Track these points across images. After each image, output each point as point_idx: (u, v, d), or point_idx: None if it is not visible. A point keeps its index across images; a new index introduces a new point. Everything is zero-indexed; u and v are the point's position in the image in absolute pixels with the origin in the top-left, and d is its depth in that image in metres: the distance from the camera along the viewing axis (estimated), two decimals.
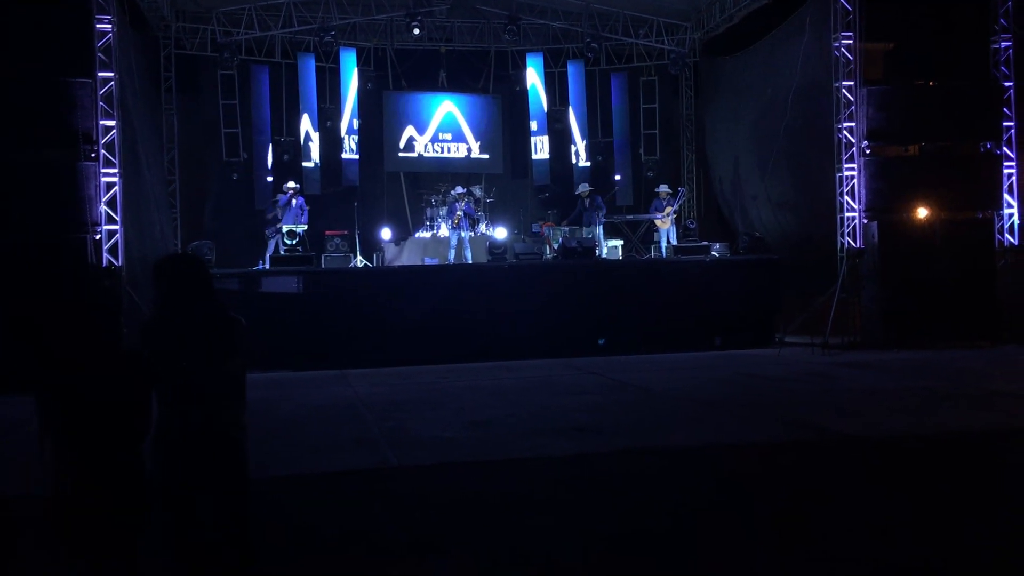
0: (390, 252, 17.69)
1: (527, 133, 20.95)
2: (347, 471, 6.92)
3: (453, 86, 20.65)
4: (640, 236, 18.44)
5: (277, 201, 16.29)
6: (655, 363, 13.37)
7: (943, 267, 14.26)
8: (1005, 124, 15.43)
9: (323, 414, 9.68)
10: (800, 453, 7.25)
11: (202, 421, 3.61)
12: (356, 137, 19.64)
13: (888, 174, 15.20)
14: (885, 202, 15.12)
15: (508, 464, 7.08)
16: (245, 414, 3.80)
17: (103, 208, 12.94)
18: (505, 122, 21.23)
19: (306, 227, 16.01)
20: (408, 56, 20.32)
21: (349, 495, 6.32)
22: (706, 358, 13.78)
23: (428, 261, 16.47)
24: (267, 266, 15.33)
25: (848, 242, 15.01)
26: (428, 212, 18.12)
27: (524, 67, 20.83)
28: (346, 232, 16.34)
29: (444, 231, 16.98)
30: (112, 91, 13.09)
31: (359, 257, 16.28)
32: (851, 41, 14.95)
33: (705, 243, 16.62)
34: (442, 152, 20.51)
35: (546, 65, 20.96)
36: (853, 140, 15.06)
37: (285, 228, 15.74)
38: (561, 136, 21.12)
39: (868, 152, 15.12)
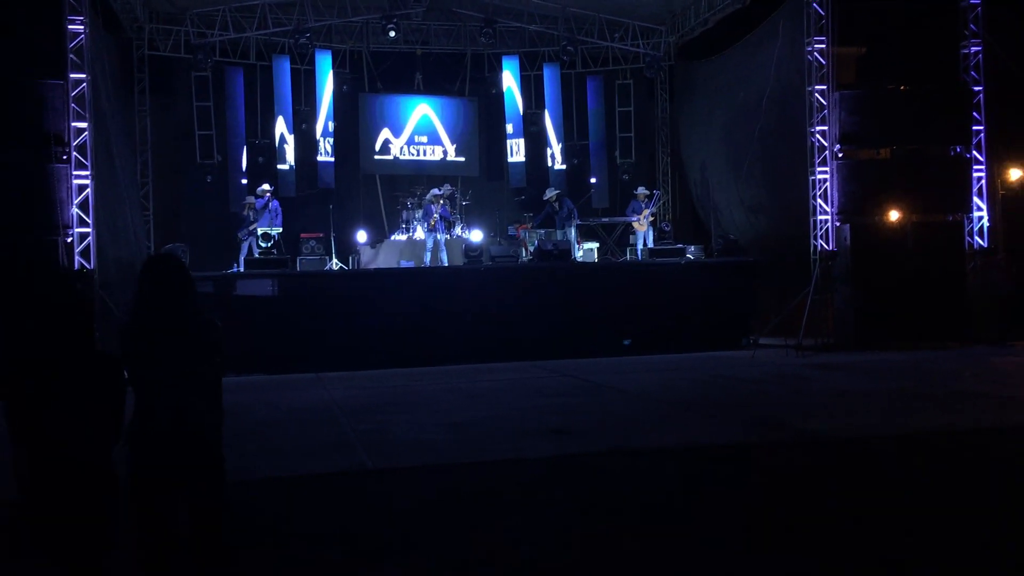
0: (366, 255, 17.65)
1: (503, 136, 20.98)
2: (322, 474, 6.90)
3: (429, 89, 20.64)
4: (616, 238, 18.50)
5: (253, 204, 16.19)
6: (631, 365, 13.43)
7: (914, 269, 14.44)
8: (975, 128, 15.64)
9: (298, 417, 9.64)
10: (771, 454, 7.31)
11: (178, 424, 3.59)
12: (331, 139, 19.57)
13: (860, 177, 15.37)
14: (857, 205, 15.29)
15: (484, 466, 7.09)
16: (221, 417, 3.79)
17: (75, 211, 12.82)
18: (481, 125, 21.24)
19: (280, 230, 15.94)
20: (384, 58, 20.29)
21: (324, 498, 6.30)
22: (681, 360, 13.86)
23: (404, 264, 16.45)
24: (241, 269, 15.25)
25: (821, 244, 15.15)
26: (404, 215, 18.09)
27: (500, 70, 20.86)
28: (321, 235, 16.28)
29: (420, 234, 16.97)
30: (84, 93, 12.98)
31: (334, 260, 16.23)
32: (824, 45, 15.09)
33: (680, 245, 16.71)
34: (418, 155, 20.50)
35: (522, 68, 21.00)
36: (826, 143, 15.20)
37: (260, 231, 15.67)
38: (537, 139, 21.17)
39: (841, 155, 15.28)
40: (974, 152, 15.69)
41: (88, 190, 12.93)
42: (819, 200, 15.21)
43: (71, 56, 12.89)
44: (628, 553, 4.86)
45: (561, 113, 21.14)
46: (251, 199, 16.44)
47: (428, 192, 17.16)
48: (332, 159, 19.59)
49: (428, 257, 16.19)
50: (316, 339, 13.84)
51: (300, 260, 15.34)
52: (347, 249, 17.65)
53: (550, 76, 21.00)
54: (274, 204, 16.20)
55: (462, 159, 20.84)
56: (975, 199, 15.65)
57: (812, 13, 15.08)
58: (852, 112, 15.19)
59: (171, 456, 3.59)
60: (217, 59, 18.56)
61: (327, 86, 19.53)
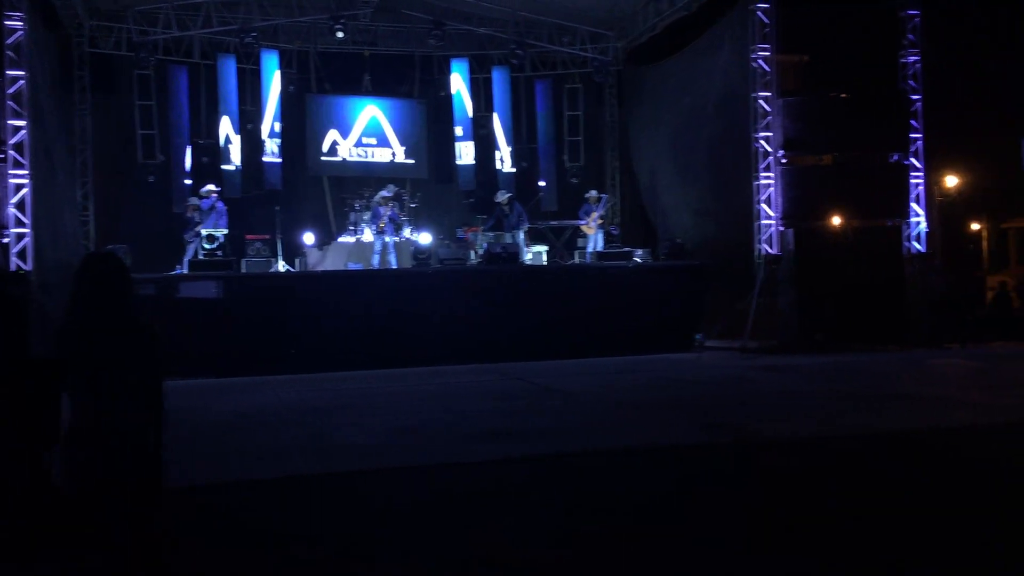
0: (313, 257, 17.47)
1: (452, 138, 20.95)
2: (268, 479, 6.81)
3: (377, 90, 20.53)
4: (564, 242, 18.58)
5: (198, 206, 15.92)
6: (580, 368, 13.49)
7: (856, 273, 14.75)
8: (913, 136, 16.05)
9: (244, 421, 9.51)
10: (717, 454, 7.40)
11: (115, 429, 3.51)
12: (278, 140, 19.36)
13: (803, 183, 15.66)
14: (800, 210, 15.56)
15: (432, 469, 7.06)
16: (161, 422, 3.72)
17: (12, 211, 12.50)
18: (430, 127, 21.18)
19: (226, 231, 15.70)
20: (331, 59, 20.13)
21: (270, 503, 6.22)
22: (630, 362, 13.97)
23: (351, 266, 16.31)
24: (185, 271, 14.99)
25: (766, 249, 15.39)
26: (352, 216, 17.95)
27: (449, 72, 20.83)
28: (267, 236, 16.06)
29: (368, 236, 16.84)
30: (22, 90, 12.66)
31: (281, 262, 16.04)
32: (768, 53, 15.37)
33: (628, 249, 16.83)
34: (366, 156, 20.37)
35: (471, 71, 21.00)
36: (770, 149, 15.46)
37: (204, 232, 15.41)
38: (486, 142, 21.18)
39: (784, 161, 15.55)
40: (912, 159, 16.10)
41: (26, 190, 12.62)
42: (763, 205, 15.45)
43: (8, 53, 12.58)
44: (575, 554, 4.88)
45: (510, 116, 21.18)
46: (195, 200, 16.16)
47: (376, 194, 17.05)
48: (279, 160, 19.37)
49: (376, 260, 16.08)
50: (262, 342, 13.67)
51: (246, 262, 15.13)
52: (294, 251, 17.45)
53: (499, 79, 21.03)
54: (220, 205, 15.95)
55: (411, 161, 20.77)
56: (913, 205, 16.05)
57: (756, 21, 15.33)
58: (795, 119, 15.47)
59: (108, 461, 3.51)
60: (160, 57, 18.24)
61: (273, 86, 19.31)
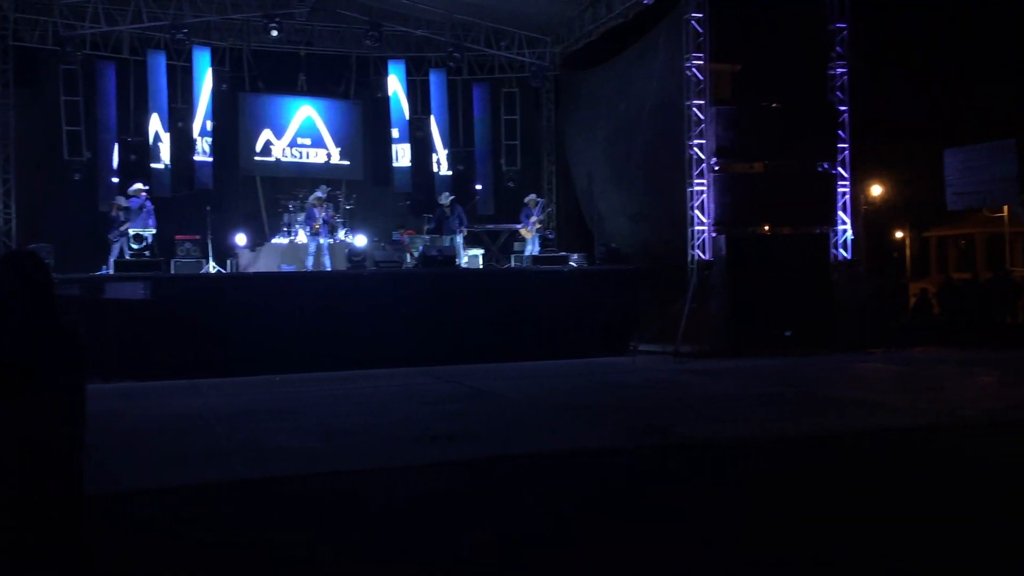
0: (245, 258, 17.18)
1: (388, 140, 20.82)
2: (195, 485, 6.67)
3: (313, 90, 20.31)
4: (500, 245, 18.61)
5: (128, 205, 15.53)
6: (515, 371, 13.52)
7: (785, 279, 15.06)
8: (840, 146, 16.47)
9: (171, 425, 9.30)
10: (648, 457, 7.48)
11: (34, 434, 3.40)
12: (210, 139, 19.00)
13: (735, 190, 15.93)
14: (732, 216, 15.84)
15: (363, 475, 6.99)
16: (83, 426, 3.61)
17: None
18: (366, 129, 21.03)
19: (154, 231, 15.34)
20: (266, 58, 19.85)
21: (197, 509, 6.09)
22: (564, 366, 14.04)
23: (285, 268, 16.09)
24: (111, 271, 14.61)
25: (699, 254, 15.63)
26: (286, 218, 17.70)
27: (386, 74, 20.71)
28: (198, 237, 15.74)
29: (302, 237, 16.63)
30: None
31: (212, 263, 15.75)
32: (702, 62, 15.61)
33: (564, 253, 16.93)
34: (301, 157, 20.13)
35: (408, 73, 20.91)
36: (703, 156, 15.70)
37: (132, 232, 15.03)
38: (423, 144, 21.10)
39: (717, 168, 15.81)
40: (839, 168, 16.51)
41: None
42: (697, 211, 15.69)
43: None
44: (499, 557, 4.88)
45: (447, 119, 21.14)
46: (121, 199, 15.76)
47: (311, 195, 16.85)
48: (210, 159, 19.01)
49: (310, 262, 15.89)
50: (191, 345, 13.38)
51: (175, 263, 14.80)
52: (225, 252, 17.14)
53: (436, 82, 20.98)
54: (148, 204, 15.59)
55: (347, 163, 20.59)
56: (840, 213, 16.46)
57: (690, 30, 15.57)
58: (727, 127, 15.74)
59: (25, 469, 3.39)
60: (88, 52, 17.79)
61: (205, 84, 18.95)
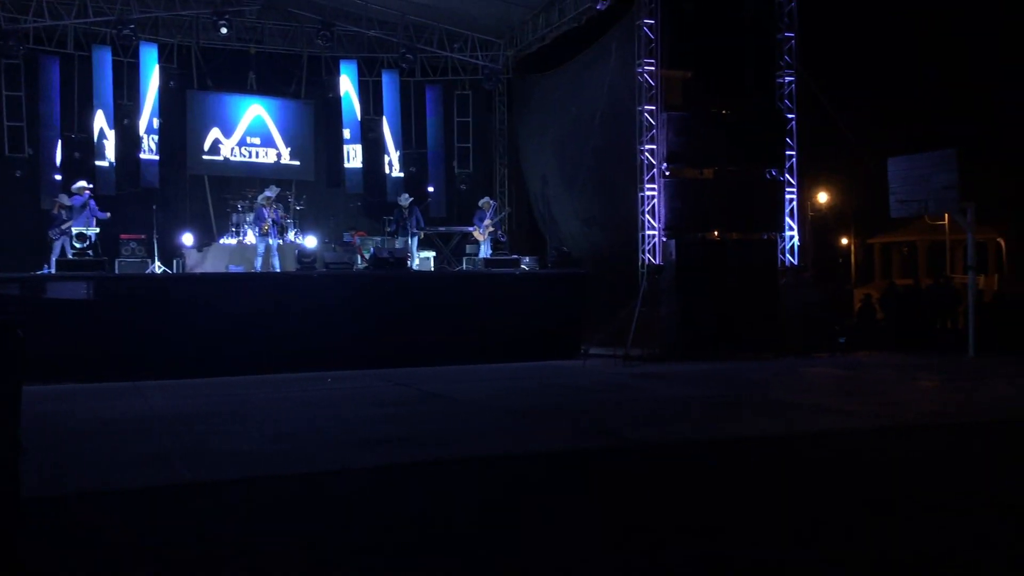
0: (192, 258, 16.91)
1: (340, 141, 20.69)
2: (137, 488, 6.53)
3: (263, 89, 20.10)
4: (452, 248, 18.57)
5: (70, 203, 15.19)
6: (464, 374, 13.49)
7: (733, 284, 15.26)
8: (788, 153, 16.74)
9: (113, 428, 9.10)
10: (596, 459, 7.51)
11: None
12: (156, 137, 18.71)
13: (685, 195, 16.09)
14: (682, 221, 16.00)
15: (311, 478, 6.91)
16: (18, 429, 3.51)
17: None
18: (318, 129, 20.87)
19: (97, 230, 15.03)
20: (215, 55, 19.59)
21: (139, 513, 5.96)
22: (514, 369, 14.05)
23: (233, 269, 15.87)
24: (53, 270, 14.27)
25: (649, 258, 15.76)
26: (234, 218, 17.47)
27: (338, 74, 20.57)
28: (143, 236, 15.45)
29: (251, 238, 16.43)
30: None
31: (157, 263, 15.47)
32: (653, 68, 15.76)
33: (515, 256, 16.95)
34: (250, 156, 19.90)
35: (360, 73, 20.79)
36: (654, 162, 15.84)
37: (75, 230, 14.70)
38: (375, 145, 21.00)
39: (667, 174, 15.96)
40: (787, 175, 16.77)
41: None
42: (647, 216, 15.82)
43: None
44: (443, 563, 4.86)
45: (400, 121, 21.07)
46: (64, 197, 15.42)
47: (260, 195, 16.65)
48: (157, 157, 18.72)
49: (259, 263, 15.69)
50: (135, 346, 13.13)
51: (119, 262, 14.51)
52: (171, 252, 16.87)
53: (389, 83, 20.89)
54: (92, 203, 15.26)
55: (297, 163, 20.40)
56: (787, 219, 16.72)
57: (642, 36, 15.72)
58: (678, 133, 15.89)
59: None
60: (31, 46, 17.43)
61: (152, 81, 18.65)
